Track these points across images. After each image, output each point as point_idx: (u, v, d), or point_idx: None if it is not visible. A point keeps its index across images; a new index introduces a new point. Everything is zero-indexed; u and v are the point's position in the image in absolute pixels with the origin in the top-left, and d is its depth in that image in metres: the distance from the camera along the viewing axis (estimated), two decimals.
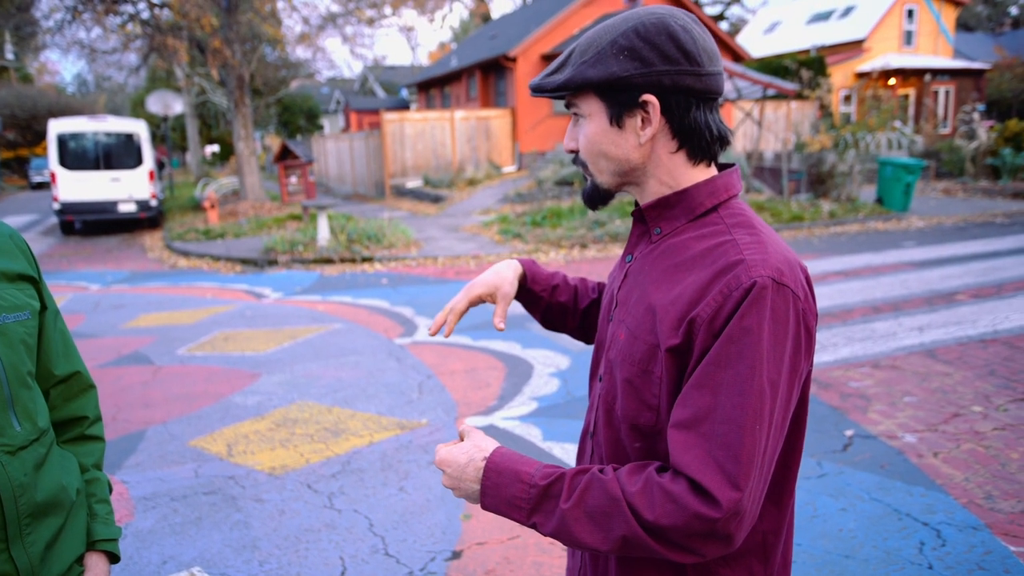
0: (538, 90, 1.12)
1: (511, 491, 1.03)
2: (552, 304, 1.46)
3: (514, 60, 20.43)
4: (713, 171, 1.12)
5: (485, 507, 1.06)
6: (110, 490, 1.47)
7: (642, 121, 1.06)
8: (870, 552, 3.04)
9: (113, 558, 1.40)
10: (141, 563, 3.09)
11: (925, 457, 3.89)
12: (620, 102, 1.06)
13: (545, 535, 1.03)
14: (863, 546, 3.08)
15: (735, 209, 1.10)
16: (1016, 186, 17.05)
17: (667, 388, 1.03)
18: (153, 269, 11.09)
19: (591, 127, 1.10)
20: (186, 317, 7.62)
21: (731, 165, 1.15)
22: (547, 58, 20.75)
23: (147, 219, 15.46)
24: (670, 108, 1.05)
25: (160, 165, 19.80)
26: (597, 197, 1.18)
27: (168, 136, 25.24)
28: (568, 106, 1.14)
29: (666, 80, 1.03)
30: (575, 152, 1.16)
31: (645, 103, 1.05)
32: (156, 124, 31.21)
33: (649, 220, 1.14)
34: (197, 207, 18.32)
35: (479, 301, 1.40)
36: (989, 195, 16.88)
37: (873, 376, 5.16)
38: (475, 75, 23.45)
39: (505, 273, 1.41)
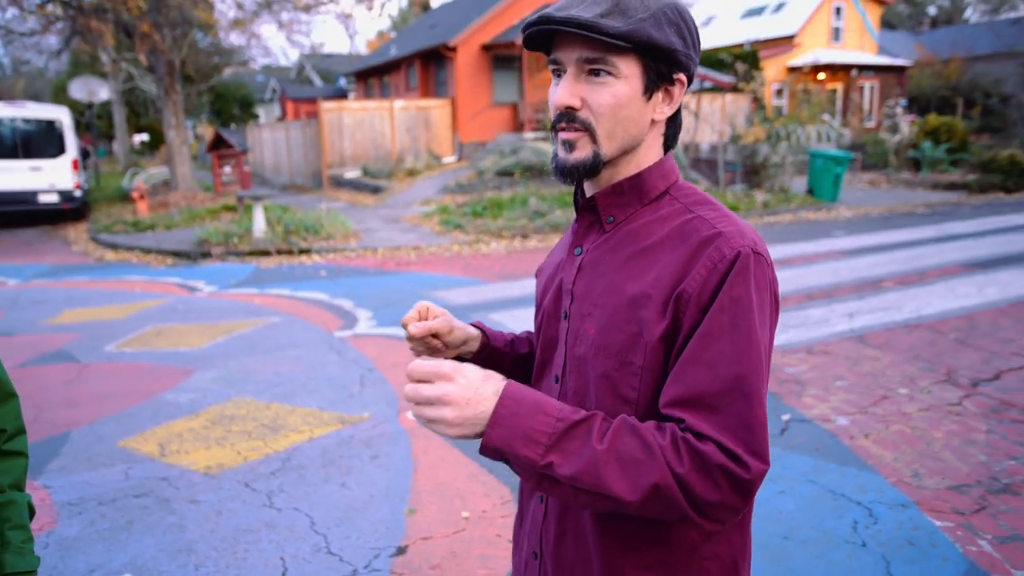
0: (589, 29, 0.97)
1: (531, 422, 0.92)
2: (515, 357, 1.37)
3: (454, 50, 20.26)
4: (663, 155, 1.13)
5: (490, 439, 0.92)
6: (31, 513, 1.32)
7: (662, 98, 1.05)
8: (808, 533, 3.12)
9: None
10: (66, 573, 2.94)
11: (857, 439, 4.02)
12: (660, 73, 1.03)
13: (559, 476, 0.92)
14: (801, 527, 3.16)
15: (687, 190, 1.10)
16: (935, 178, 17.82)
17: (650, 376, 1.01)
18: (77, 262, 10.62)
19: (623, 89, 1.01)
20: (114, 312, 7.31)
21: None
22: (487, 48, 20.66)
23: (71, 210, 14.79)
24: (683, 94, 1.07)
25: (85, 154, 18.96)
26: (595, 168, 1.06)
27: (93, 124, 24.17)
28: (588, 60, 1.01)
29: (692, 67, 1.06)
30: (574, 110, 1.03)
31: (675, 81, 1.04)
32: (80, 111, 29.84)
33: (602, 208, 1.11)
34: (125, 198, 17.61)
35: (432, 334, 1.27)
36: (911, 186, 17.59)
37: (808, 361, 5.31)
38: (415, 64, 23.18)
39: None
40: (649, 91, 1.03)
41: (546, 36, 1.05)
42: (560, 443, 0.92)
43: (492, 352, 1.33)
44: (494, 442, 0.92)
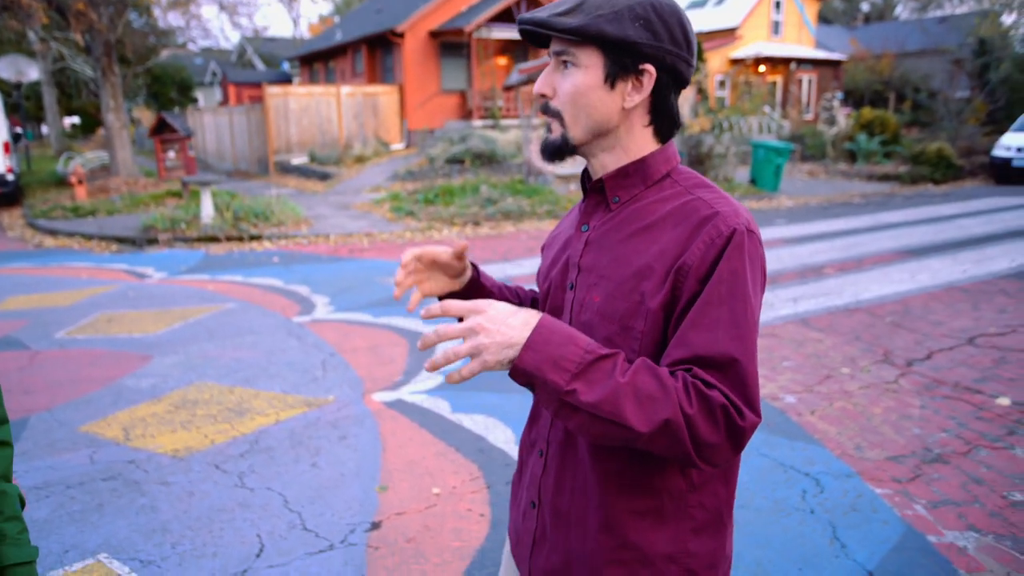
0: (543, 26, 1.12)
1: (562, 350, 1.00)
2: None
3: (402, 36, 20.11)
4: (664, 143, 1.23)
5: (522, 361, 1.00)
6: (22, 504, 1.31)
7: (631, 87, 1.14)
8: (761, 502, 3.32)
9: None
10: (41, 554, 2.94)
11: (804, 415, 4.27)
12: (621, 64, 1.12)
13: (580, 403, 1.00)
14: (755, 497, 3.37)
15: (686, 174, 1.22)
16: (870, 169, 18.55)
17: (650, 340, 1.12)
18: (15, 249, 10.26)
19: (583, 79, 1.13)
20: (61, 299, 7.13)
21: None
22: (435, 34, 20.56)
23: (3, 195, 14.21)
24: (660, 85, 1.15)
25: (15, 137, 18.19)
26: (563, 149, 1.19)
27: (22, 105, 23.18)
28: (557, 53, 1.15)
29: (668, 59, 1.13)
30: (547, 97, 1.18)
31: (642, 71, 1.13)
32: (7, 92, 28.53)
33: (608, 189, 1.22)
34: (61, 183, 16.99)
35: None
36: (847, 177, 18.27)
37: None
38: (361, 50, 22.91)
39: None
40: (610, 80, 1.12)
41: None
42: (586, 372, 1.00)
43: (479, 289, 1.43)
44: (526, 364, 1.00)
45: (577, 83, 1.13)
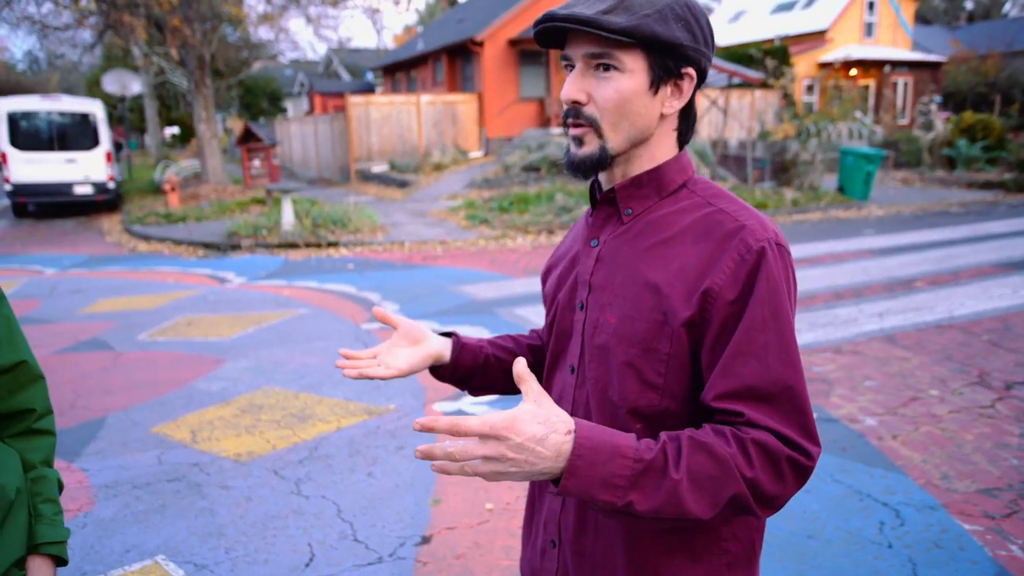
0: (590, 25, 0.99)
1: (609, 468, 0.89)
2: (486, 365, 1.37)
3: (481, 44, 20.28)
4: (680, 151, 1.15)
5: (566, 489, 0.90)
6: (60, 488, 1.39)
7: (671, 92, 1.06)
8: (832, 532, 3.10)
9: (60, 561, 1.33)
10: (103, 552, 3.03)
11: (885, 439, 3.99)
12: (666, 67, 1.04)
13: (639, 512, 0.90)
14: (826, 527, 3.15)
15: (703, 183, 1.12)
16: (971, 176, 17.50)
17: (677, 363, 1.03)
18: (112, 253, 10.83)
19: (628, 84, 1.03)
20: (147, 302, 7.45)
21: None
22: (514, 43, 20.64)
23: (105, 202, 15.07)
24: (693, 88, 1.08)
25: (118, 147, 19.28)
26: (603, 162, 1.08)
27: (126, 117, 24.56)
28: (594, 55, 1.03)
29: (703, 62, 1.06)
30: (580, 105, 1.06)
31: (683, 75, 1.05)
32: (113, 104, 30.33)
33: (621, 201, 1.12)
34: (157, 190, 17.91)
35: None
36: (945, 185, 17.28)
37: (835, 361, 5.26)
38: (442, 59, 23.24)
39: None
40: (655, 85, 1.04)
41: (559, 33, 1.08)
42: (639, 482, 0.90)
43: (461, 366, 1.33)
44: (570, 490, 0.90)
45: (622, 89, 1.02)
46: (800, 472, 0.96)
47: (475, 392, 1.39)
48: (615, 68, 1.03)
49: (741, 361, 0.97)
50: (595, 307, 1.12)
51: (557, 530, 1.18)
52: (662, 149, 1.11)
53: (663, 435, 0.95)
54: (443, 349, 1.31)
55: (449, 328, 1.27)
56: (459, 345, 1.33)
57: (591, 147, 1.07)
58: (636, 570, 1.08)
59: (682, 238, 1.05)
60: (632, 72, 1.02)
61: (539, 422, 0.88)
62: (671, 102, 1.06)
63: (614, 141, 1.06)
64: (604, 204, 1.15)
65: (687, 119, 1.12)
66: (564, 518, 1.17)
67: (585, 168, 1.08)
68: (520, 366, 0.92)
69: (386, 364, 1.24)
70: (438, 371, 1.33)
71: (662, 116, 1.07)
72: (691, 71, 1.05)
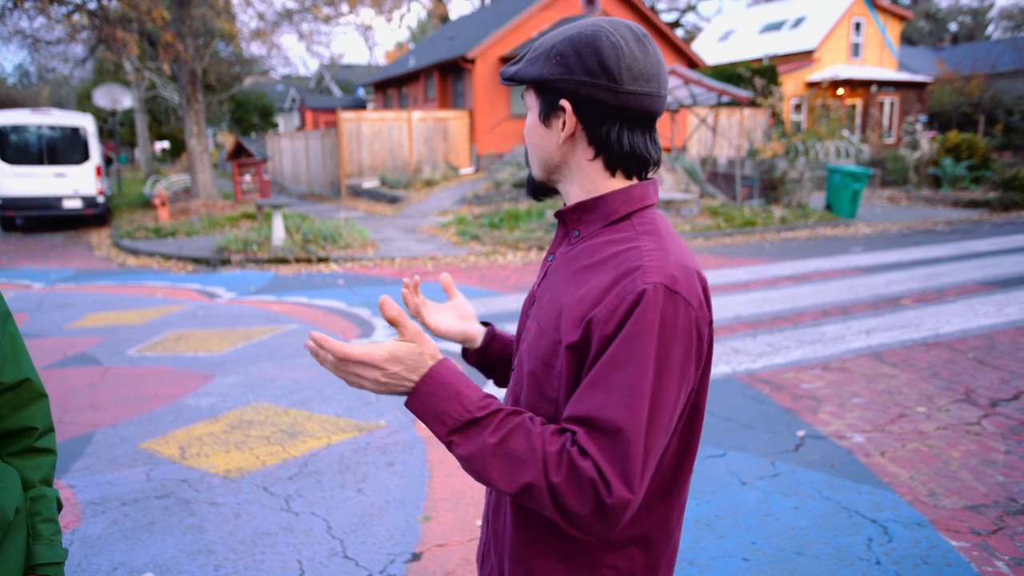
0: (503, 77, 1.20)
1: (444, 406, 1.06)
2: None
3: (472, 62, 20.42)
4: (634, 183, 1.16)
5: (408, 404, 1.08)
6: (59, 507, 1.38)
7: (562, 124, 1.13)
8: (821, 549, 3.12)
9: None
10: (90, 570, 3.00)
11: (873, 456, 4.01)
12: (548, 102, 1.13)
13: (455, 454, 1.05)
14: (815, 543, 3.16)
15: (647, 218, 1.14)
16: (956, 195, 17.70)
17: (566, 382, 1.08)
18: (100, 267, 10.78)
19: (530, 119, 1.18)
20: (136, 317, 7.42)
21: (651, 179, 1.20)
22: (505, 60, 20.78)
23: (94, 216, 15.01)
24: (584, 117, 1.11)
25: (108, 161, 19.23)
26: (532, 186, 1.25)
27: (116, 131, 24.55)
28: (523, 97, 1.21)
29: (582, 90, 1.09)
30: None
31: (563, 107, 1.11)
32: (103, 119, 30.29)
33: (569, 223, 1.20)
34: (147, 204, 17.86)
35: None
36: (931, 203, 17.48)
37: (823, 378, 5.30)
38: (433, 76, 23.37)
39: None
40: (544, 118, 1.14)
41: None
42: (463, 429, 1.05)
43: (488, 354, 1.46)
44: (410, 409, 1.08)
45: (527, 124, 1.19)
46: (599, 502, 0.97)
47: (499, 383, 1.47)
48: (527, 106, 1.18)
49: (590, 392, 1.01)
50: (531, 317, 1.21)
51: (488, 509, 1.30)
52: (591, 178, 1.15)
53: (506, 407, 1.07)
54: (478, 334, 1.44)
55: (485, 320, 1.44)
56: (491, 335, 1.45)
57: (530, 172, 1.24)
58: (517, 560, 1.17)
59: (599, 267, 1.09)
60: (532, 109, 1.17)
61: (408, 347, 1.08)
62: (562, 132, 1.13)
63: (534, 168, 1.21)
64: (560, 224, 1.23)
65: (607, 147, 1.12)
66: (489, 498, 1.29)
67: (528, 189, 1.26)
68: (393, 311, 1.09)
69: (429, 317, 1.40)
70: (467, 354, 1.46)
71: (560, 146, 1.14)
72: (564, 102, 1.10)
